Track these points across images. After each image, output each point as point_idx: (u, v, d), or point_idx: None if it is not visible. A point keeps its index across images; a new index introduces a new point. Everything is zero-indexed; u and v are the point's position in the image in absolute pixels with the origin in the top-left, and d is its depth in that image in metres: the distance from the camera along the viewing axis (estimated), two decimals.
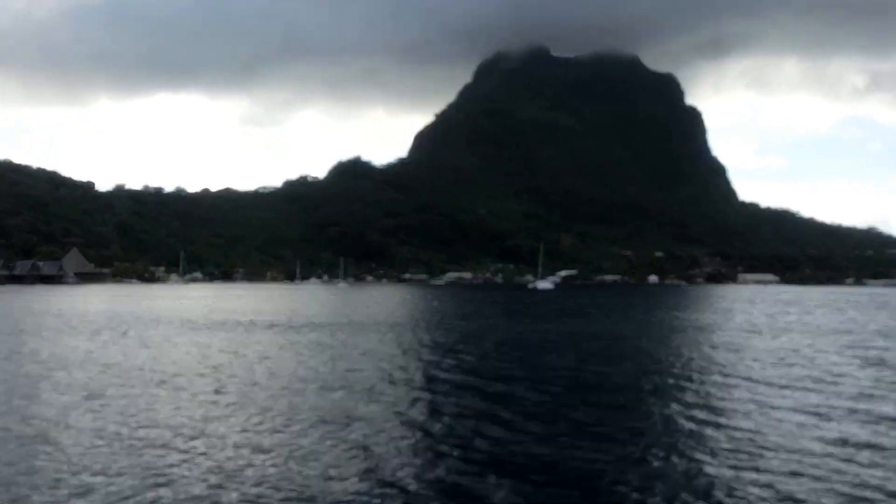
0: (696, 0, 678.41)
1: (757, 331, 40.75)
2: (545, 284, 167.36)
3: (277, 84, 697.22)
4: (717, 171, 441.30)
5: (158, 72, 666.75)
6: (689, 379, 21.61)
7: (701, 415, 15.92)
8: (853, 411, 16.32)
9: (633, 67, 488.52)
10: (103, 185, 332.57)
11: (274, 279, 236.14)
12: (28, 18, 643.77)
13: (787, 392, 18.99)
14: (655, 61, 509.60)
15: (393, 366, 24.15)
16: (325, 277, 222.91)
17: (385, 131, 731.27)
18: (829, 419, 15.39)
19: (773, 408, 16.63)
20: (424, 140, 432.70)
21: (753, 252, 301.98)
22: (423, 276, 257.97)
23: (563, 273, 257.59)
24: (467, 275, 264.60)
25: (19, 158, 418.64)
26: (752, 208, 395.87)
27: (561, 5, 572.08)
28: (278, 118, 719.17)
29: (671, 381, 21.29)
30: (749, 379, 21.40)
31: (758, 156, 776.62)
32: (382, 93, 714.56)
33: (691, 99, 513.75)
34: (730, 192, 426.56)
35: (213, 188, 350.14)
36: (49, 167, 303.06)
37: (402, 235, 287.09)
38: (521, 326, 45.28)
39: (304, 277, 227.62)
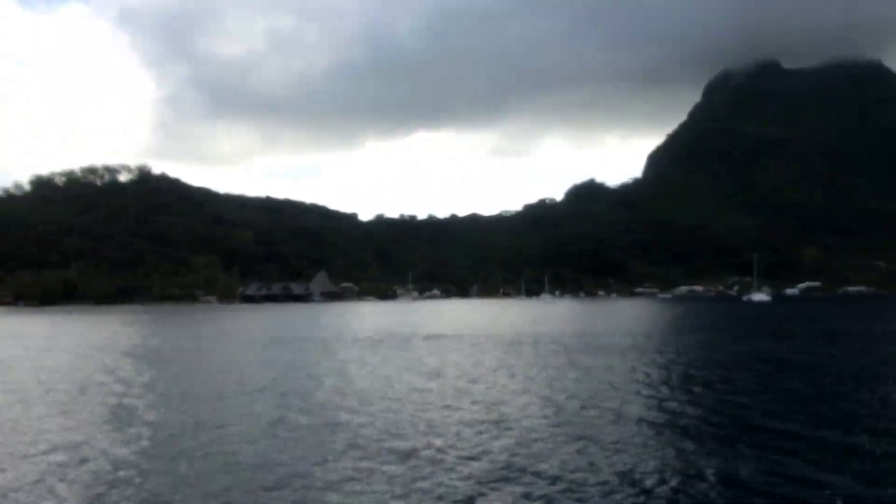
0: None
1: None
2: (761, 297, 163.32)
3: (521, 116, 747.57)
4: None
5: (417, 113, 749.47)
6: None
7: None
8: None
9: (875, 72, 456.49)
10: (365, 215, 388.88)
11: (506, 295, 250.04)
12: (308, 75, 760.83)
13: None
14: None
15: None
16: (557, 293, 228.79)
17: (617, 155, 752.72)
18: None
19: None
20: (656, 160, 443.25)
21: None
22: (654, 290, 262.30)
23: (804, 285, 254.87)
24: (698, 288, 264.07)
25: (297, 196, 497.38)
26: None
27: (792, 15, 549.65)
28: (523, 148, 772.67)
29: None
30: None
31: None
32: (615, 117, 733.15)
33: None
34: None
35: (461, 214, 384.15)
36: (320, 202, 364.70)
37: (637, 251, 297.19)
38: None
39: (533, 293, 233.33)
